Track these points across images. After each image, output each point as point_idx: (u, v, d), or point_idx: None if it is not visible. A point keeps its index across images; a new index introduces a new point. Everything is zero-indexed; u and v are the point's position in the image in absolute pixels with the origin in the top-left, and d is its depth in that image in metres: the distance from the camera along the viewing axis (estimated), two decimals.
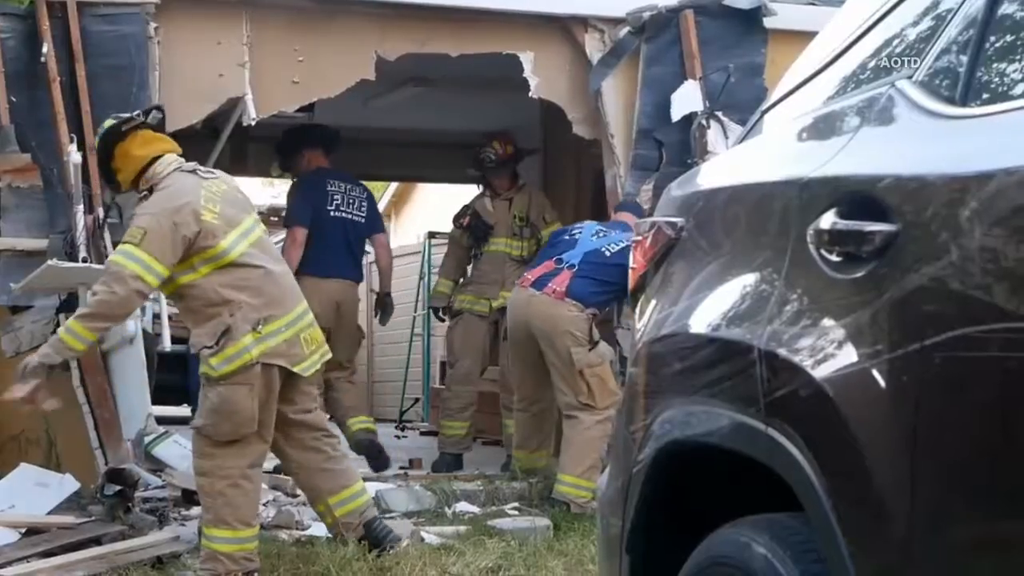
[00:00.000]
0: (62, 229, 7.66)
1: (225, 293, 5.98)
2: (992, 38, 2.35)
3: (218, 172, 6.46)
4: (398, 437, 12.10)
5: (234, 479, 6.00)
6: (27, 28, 7.79)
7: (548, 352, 7.97)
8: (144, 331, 7.68)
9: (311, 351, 6.19)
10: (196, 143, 10.52)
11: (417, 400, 14.74)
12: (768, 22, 8.95)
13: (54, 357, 5.97)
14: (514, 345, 8.32)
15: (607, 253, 8.05)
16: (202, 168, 6.38)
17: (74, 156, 7.54)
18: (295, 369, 6.09)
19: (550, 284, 8.00)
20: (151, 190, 6.16)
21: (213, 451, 6.02)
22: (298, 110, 9.30)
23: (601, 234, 8.23)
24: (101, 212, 7.66)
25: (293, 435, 6.30)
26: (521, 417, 8.51)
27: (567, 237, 8.34)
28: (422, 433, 12.52)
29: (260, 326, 5.96)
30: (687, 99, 8.76)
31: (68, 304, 7.61)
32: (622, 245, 7.86)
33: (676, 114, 8.77)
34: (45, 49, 7.69)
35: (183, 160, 6.31)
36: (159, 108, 6.65)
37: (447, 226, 11.10)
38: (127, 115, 6.42)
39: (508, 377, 8.98)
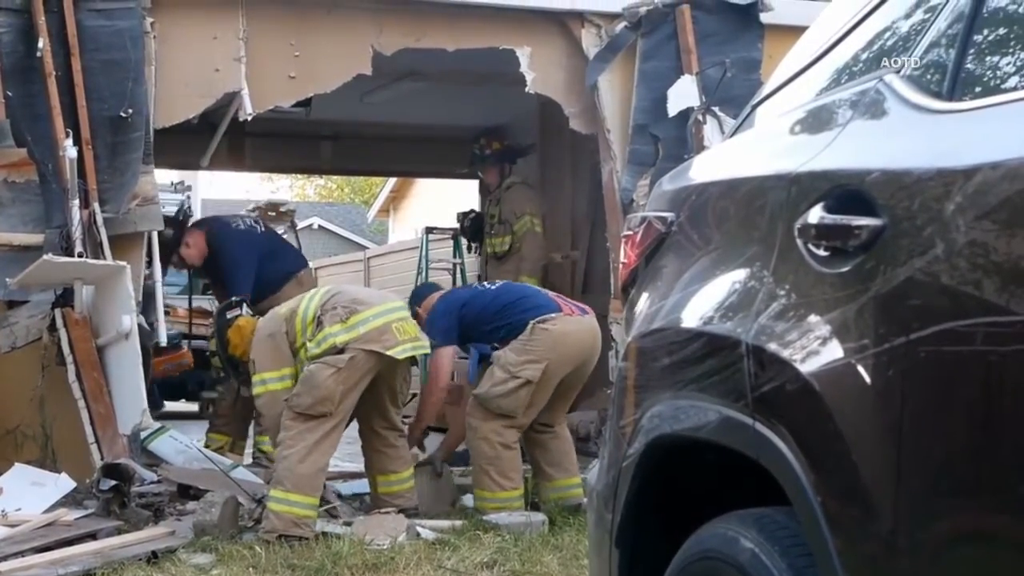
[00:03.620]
0: (58, 224, 7.67)
1: (330, 302, 7.03)
2: (979, 33, 2.34)
3: None
4: None
5: (299, 451, 6.74)
6: (23, 23, 7.79)
7: (587, 374, 7.69)
8: (140, 326, 7.68)
9: (403, 340, 7.01)
10: (193, 138, 10.56)
11: (414, 396, 14.70)
12: (765, 17, 8.96)
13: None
14: (559, 378, 7.44)
15: None
16: None
17: (70, 151, 7.54)
18: (388, 353, 6.90)
19: (584, 306, 7.81)
20: None
21: (291, 424, 6.82)
22: (294, 105, 9.31)
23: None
24: (97, 207, 7.66)
25: (376, 417, 7.28)
26: (518, 447, 7.66)
27: (498, 286, 7.95)
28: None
29: (348, 317, 6.89)
30: (683, 94, 8.77)
31: (64, 299, 7.62)
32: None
33: (672, 109, 8.78)
34: (41, 44, 7.68)
35: None
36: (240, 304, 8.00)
37: (444, 221, 11.20)
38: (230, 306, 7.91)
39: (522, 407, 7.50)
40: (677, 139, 8.75)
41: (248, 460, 9.00)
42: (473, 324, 7.65)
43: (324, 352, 6.82)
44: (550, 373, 7.36)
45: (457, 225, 11.88)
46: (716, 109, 8.66)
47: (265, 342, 7.11)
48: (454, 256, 12.92)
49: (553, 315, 7.46)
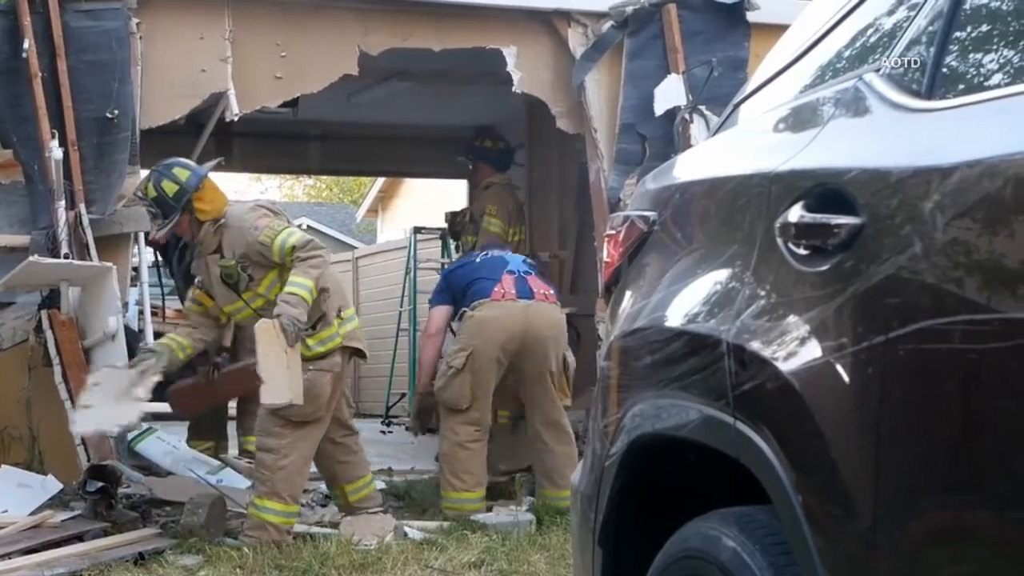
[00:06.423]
0: (44, 225, 7.64)
1: (322, 282, 6.66)
2: (958, 31, 2.34)
3: None
4: (384, 432, 12.08)
5: (295, 460, 6.65)
6: (8, 23, 7.76)
7: (545, 361, 7.54)
8: (126, 327, 7.67)
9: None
10: (179, 139, 10.53)
11: (403, 396, 14.71)
12: (751, 16, 8.97)
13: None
14: (493, 364, 7.49)
15: (528, 263, 8.11)
16: None
17: (56, 152, 7.52)
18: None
19: (537, 290, 7.69)
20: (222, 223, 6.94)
21: (283, 431, 6.62)
22: (281, 105, 9.29)
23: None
24: (83, 208, 7.64)
25: (335, 427, 7.00)
26: (481, 448, 7.59)
27: (484, 257, 8.05)
28: (407, 428, 12.48)
29: (341, 312, 6.81)
30: (670, 93, 8.77)
31: (50, 300, 7.60)
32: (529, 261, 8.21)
33: (659, 108, 8.78)
34: (26, 44, 7.65)
35: None
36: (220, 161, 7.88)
37: (433, 221, 11.19)
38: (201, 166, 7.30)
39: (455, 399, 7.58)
40: (664, 138, 8.75)
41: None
42: (456, 292, 7.79)
43: (329, 351, 6.72)
44: (478, 359, 7.43)
45: (445, 225, 11.86)
46: (703, 108, 8.65)
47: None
48: (442, 256, 12.91)
49: (481, 301, 7.57)
